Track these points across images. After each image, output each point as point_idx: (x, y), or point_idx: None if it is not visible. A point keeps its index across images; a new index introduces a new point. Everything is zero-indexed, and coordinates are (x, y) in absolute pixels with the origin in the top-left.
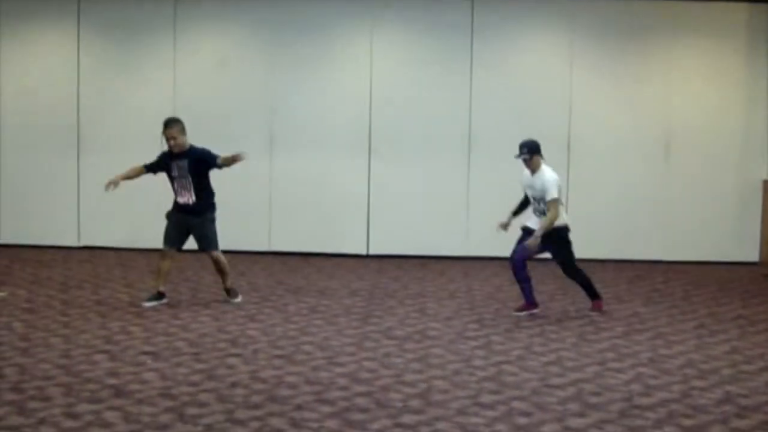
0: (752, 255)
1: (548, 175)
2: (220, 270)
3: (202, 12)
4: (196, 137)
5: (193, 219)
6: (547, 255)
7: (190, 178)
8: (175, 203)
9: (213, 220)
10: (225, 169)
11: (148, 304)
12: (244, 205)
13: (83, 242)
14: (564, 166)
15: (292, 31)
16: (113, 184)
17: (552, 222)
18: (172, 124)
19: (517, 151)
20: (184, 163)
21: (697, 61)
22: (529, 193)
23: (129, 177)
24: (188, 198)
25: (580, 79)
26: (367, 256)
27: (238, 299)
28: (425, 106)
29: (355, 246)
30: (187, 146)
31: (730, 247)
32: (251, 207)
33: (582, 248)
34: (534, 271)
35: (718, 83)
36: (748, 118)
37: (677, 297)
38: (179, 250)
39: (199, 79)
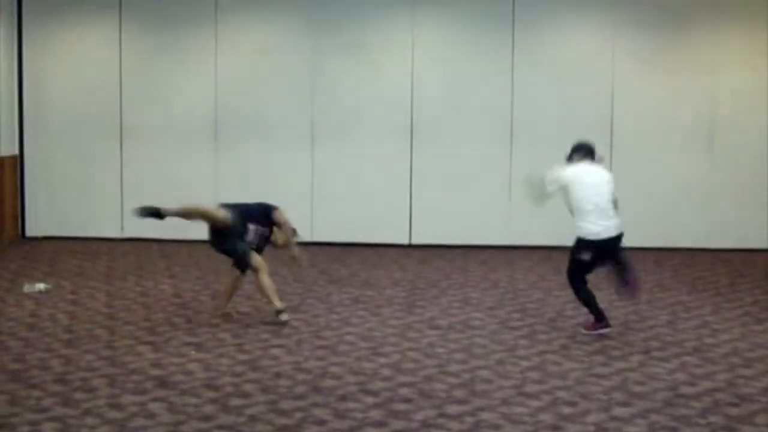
0: None
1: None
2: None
3: (242, 2)
4: (236, 127)
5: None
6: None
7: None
8: None
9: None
10: (264, 163)
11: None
12: (285, 195)
13: (126, 234)
14: (607, 155)
15: (333, 20)
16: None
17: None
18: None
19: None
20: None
21: (741, 48)
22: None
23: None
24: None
25: (623, 67)
26: (410, 246)
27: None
28: (467, 95)
29: (397, 236)
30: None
31: None
32: (293, 197)
33: (626, 236)
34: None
35: (762, 73)
36: None
37: (722, 285)
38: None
39: (241, 68)
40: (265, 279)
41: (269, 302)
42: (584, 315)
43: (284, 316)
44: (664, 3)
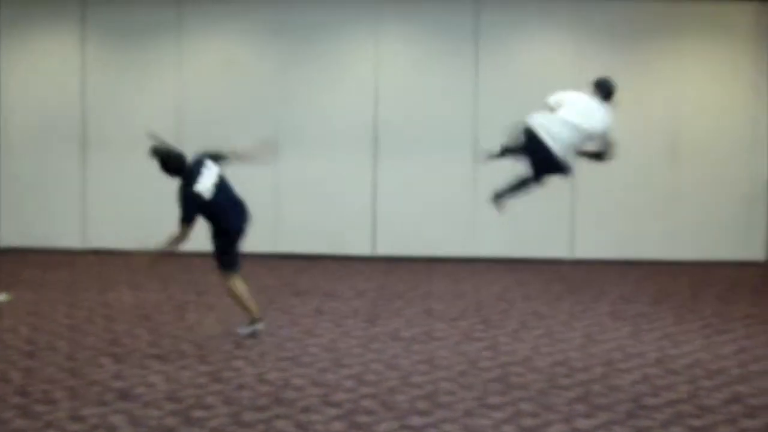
0: (759, 254)
1: None
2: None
3: (206, 14)
4: (200, 139)
5: None
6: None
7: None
8: None
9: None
10: (229, 175)
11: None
12: (250, 207)
13: (89, 245)
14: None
15: (297, 33)
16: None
17: None
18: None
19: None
20: None
21: (704, 61)
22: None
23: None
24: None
25: (587, 79)
26: (374, 258)
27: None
28: (431, 107)
29: (361, 247)
30: None
31: (736, 247)
32: (257, 208)
33: (589, 248)
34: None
35: (724, 84)
36: (754, 119)
37: (684, 297)
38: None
39: (204, 81)
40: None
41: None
42: (546, 327)
43: (260, 325)
44: (626, 14)
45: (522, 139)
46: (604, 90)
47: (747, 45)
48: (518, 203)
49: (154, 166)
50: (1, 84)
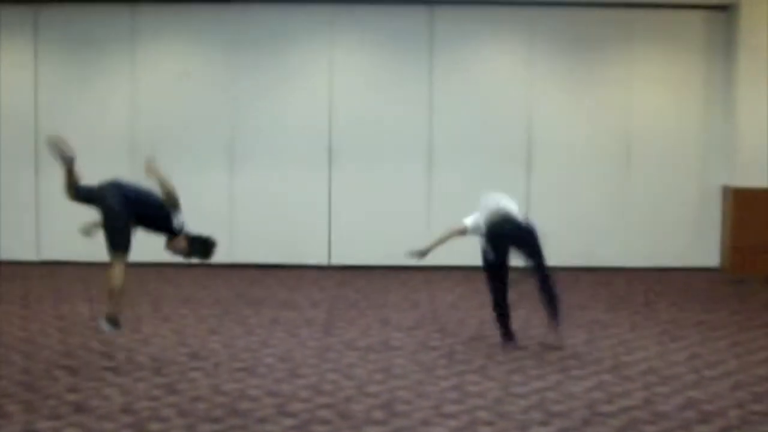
0: (712, 261)
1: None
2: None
3: (160, 24)
4: (154, 150)
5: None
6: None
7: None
8: None
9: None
10: (183, 185)
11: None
12: (204, 216)
13: (42, 257)
14: (524, 173)
15: (252, 43)
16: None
17: None
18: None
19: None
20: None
21: (656, 68)
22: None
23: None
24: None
25: (540, 86)
26: (329, 267)
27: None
28: (385, 117)
29: (316, 257)
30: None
31: (690, 253)
32: (211, 219)
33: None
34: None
35: (676, 90)
36: (706, 124)
37: (639, 303)
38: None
39: (158, 92)
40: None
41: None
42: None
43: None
44: (580, 23)
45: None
46: None
47: (698, 52)
48: (470, 210)
49: (106, 175)
50: None
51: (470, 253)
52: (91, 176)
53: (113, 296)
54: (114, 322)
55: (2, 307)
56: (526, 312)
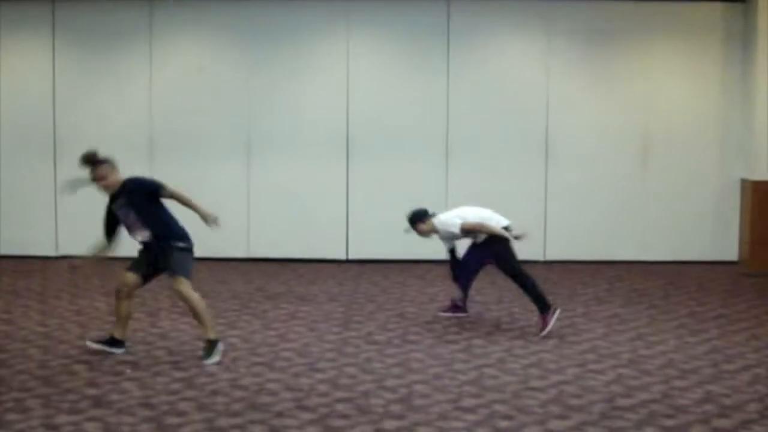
0: (731, 254)
1: (443, 218)
2: (190, 311)
3: (177, 18)
4: (172, 144)
5: (155, 248)
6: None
7: (134, 213)
8: (140, 245)
9: (181, 249)
10: (200, 180)
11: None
12: (221, 212)
13: (61, 252)
14: (542, 166)
15: (269, 37)
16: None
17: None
18: (96, 165)
19: (414, 228)
20: (122, 200)
21: (674, 61)
22: (447, 246)
23: (100, 256)
24: (144, 234)
25: (558, 80)
26: (347, 261)
27: (208, 361)
28: (402, 110)
29: (334, 251)
30: (121, 181)
31: (708, 247)
32: (229, 213)
33: (561, 250)
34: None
35: (694, 83)
36: (725, 117)
37: (657, 297)
38: (143, 283)
39: (176, 86)
40: (194, 295)
41: (202, 326)
42: (519, 329)
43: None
44: (598, 16)
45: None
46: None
47: (716, 44)
48: (490, 205)
49: (124, 171)
50: None
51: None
52: None
53: (201, 316)
54: (214, 346)
55: (21, 302)
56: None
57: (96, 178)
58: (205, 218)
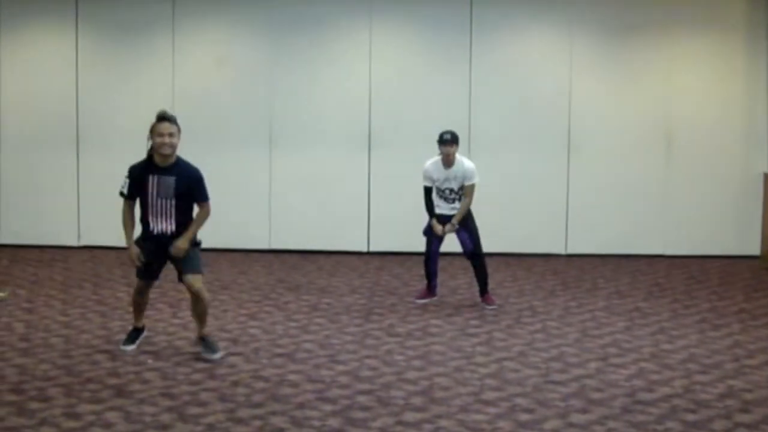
0: (753, 248)
1: (468, 162)
2: (201, 311)
3: (200, 10)
4: (194, 135)
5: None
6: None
7: (173, 202)
8: (146, 231)
9: (200, 247)
10: (222, 171)
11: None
12: (243, 203)
13: (83, 242)
14: (564, 160)
15: (291, 28)
16: (138, 258)
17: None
18: (171, 119)
19: (449, 147)
20: (170, 180)
21: (697, 55)
22: (445, 186)
23: (132, 225)
24: (166, 226)
25: (580, 74)
26: (368, 253)
27: (218, 355)
28: (424, 103)
29: (355, 243)
30: (175, 158)
31: (731, 241)
32: (251, 205)
33: (582, 243)
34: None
35: (718, 77)
36: (748, 112)
37: (678, 291)
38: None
39: (198, 78)
40: (206, 291)
41: (202, 323)
42: (541, 322)
43: (217, 354)
44: (621, 10)
45: None
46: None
47: (740, 37)
48: (512, 198)
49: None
50: None
51: (511, 239)
52: (130, 160)
53: (206, 314)
54: (212, 339)
55: (43, 292)
56: (564, 300)
57: (171, 133)
58: (181, 242)
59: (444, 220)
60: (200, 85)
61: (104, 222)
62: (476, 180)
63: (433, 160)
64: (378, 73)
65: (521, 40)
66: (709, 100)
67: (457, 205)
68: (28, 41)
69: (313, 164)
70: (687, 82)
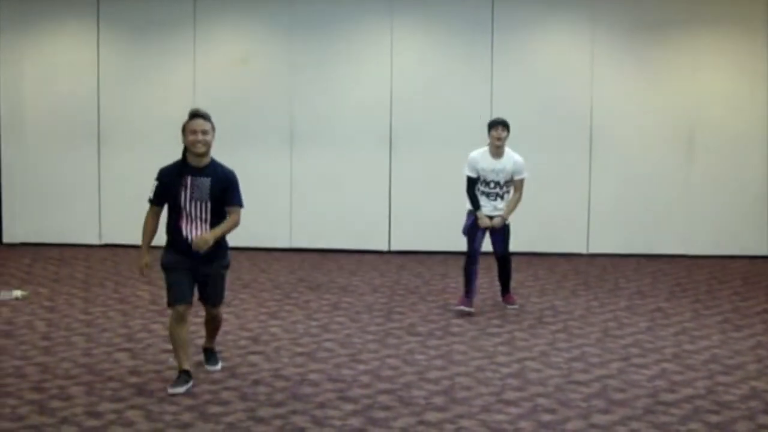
0: None
1: (517, 155)
2: (214, 327)
3: (221, 8)
4: (215, 135)
5: (205, 267)
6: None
7: (209, 205)
8: (177, 240)
9: (228, 267)
10: (243, 170)
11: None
12: (265, 202)
13: (104, 240)
14: (586, 159)
15: (313, 27)
16: (146, 266)
17: (520, 200)
18: (205, 116)
19: (501, 132)
20: (205, 181)
21: (718, 53)
22: (490, 178)
23: (152, 233)
24: (200, 233)
25: (602, 72)
26: (389, 252)
27: (217, 367)
28: (446, 102)
29: (376, 242)
30: (210, 158)
31: (753, 241)
32: (272, 204)
33: (604, 243)
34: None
35: (740, 76)
36: None
37: (701, 291)
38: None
39: (219, 76)
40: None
41: (213, 337)
42: (562, 322)
43: (218, 365)
44: (643, 7)
45: None
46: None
47: (763, 36)
48: (534, 197)
49: (168, 160)
50: (16, 79)
51: (533, 238)
52: (151, 159)
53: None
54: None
55: (64, 290)
56: (586, 300)
57: (205, 130)
58: (207, 234)
59: None
60: (221, 84)
61: (125, 220)
62: (526, 174)
63: (480, 149)
64: (399, 72)
65: (543, 38)
66: (731, 98)
67: (500, 204)
68: (50, 41)
69: (333, 163)
70: (709, 81)
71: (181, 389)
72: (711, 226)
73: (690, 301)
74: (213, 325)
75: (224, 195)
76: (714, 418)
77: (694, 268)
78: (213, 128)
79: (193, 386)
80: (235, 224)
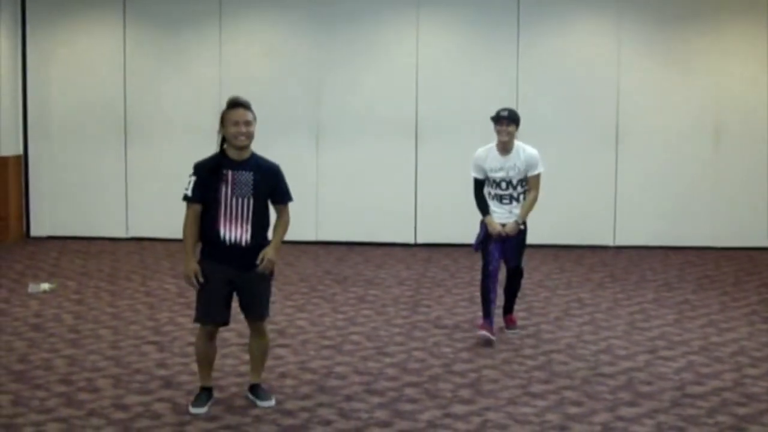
0: None
1: (530, 148)
2: (261, 353)
3: (247, 2)
4: None
5: (247, 272)
6: None
7: (251, 202)
8: (214, 243)
9: (272, 272)
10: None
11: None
12: (292, 194)
13: (131, 233)
14: (612, 151)
15: (338, 19)
16: (197, 275)
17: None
18: (246, 105)
19: (507, 126)
20: (248, 176)
21: (747, 43)
22: (500, 177)
23: (195, 236)
24: (241, 233)
25: (629, 64)
26: (415, 245)
27: (271, 402)
28: (472, 94)
29: (402, 235)
30: (251, 151)
31: None
32: (298, 196)
33: (631, 235)
34: (580, 258)
35: (766, 66)
36: None
37: (728, 283)
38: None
39: (245, 69)
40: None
41: (259, 368)
42: (589, 314)
43: (270, 401)
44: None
45: None
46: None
47: None
48: (560, 189)
49: (194, 153)
50: (43, 73)
51: (560, 230)
52: (176, 154)
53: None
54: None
55: (92, 283)
56: (613, 292)
57: (248, 121)
58: (267, 255)
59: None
60: (247, 77)
61: (152, 213)
62: (542, 169)
63: (486, 146)
64: (425, 65)
65: (569, 30)
66: (758, 89)
67: (515, 208)
68: (77, 38)
69: (359, 156)
70: (736, 72)
71: (202, 410)
72: (738, 217)
73: (717, 293)
74: (260, 351)
75: (272, 192)
76: (741, 411)
77: (721, 260)
78: (254, 118)
79: (220, 380)
80: (288, 224)
